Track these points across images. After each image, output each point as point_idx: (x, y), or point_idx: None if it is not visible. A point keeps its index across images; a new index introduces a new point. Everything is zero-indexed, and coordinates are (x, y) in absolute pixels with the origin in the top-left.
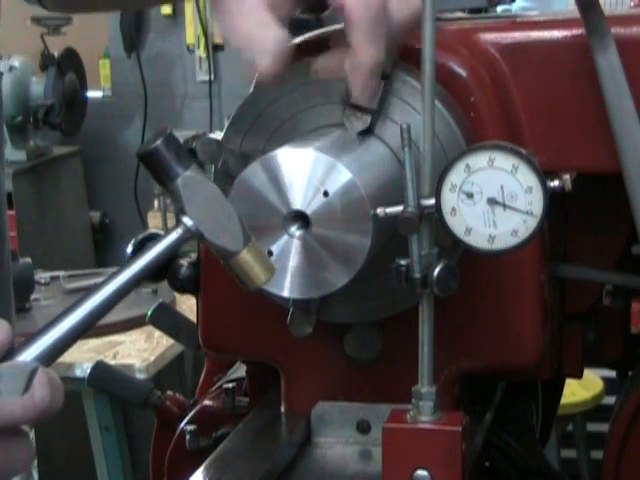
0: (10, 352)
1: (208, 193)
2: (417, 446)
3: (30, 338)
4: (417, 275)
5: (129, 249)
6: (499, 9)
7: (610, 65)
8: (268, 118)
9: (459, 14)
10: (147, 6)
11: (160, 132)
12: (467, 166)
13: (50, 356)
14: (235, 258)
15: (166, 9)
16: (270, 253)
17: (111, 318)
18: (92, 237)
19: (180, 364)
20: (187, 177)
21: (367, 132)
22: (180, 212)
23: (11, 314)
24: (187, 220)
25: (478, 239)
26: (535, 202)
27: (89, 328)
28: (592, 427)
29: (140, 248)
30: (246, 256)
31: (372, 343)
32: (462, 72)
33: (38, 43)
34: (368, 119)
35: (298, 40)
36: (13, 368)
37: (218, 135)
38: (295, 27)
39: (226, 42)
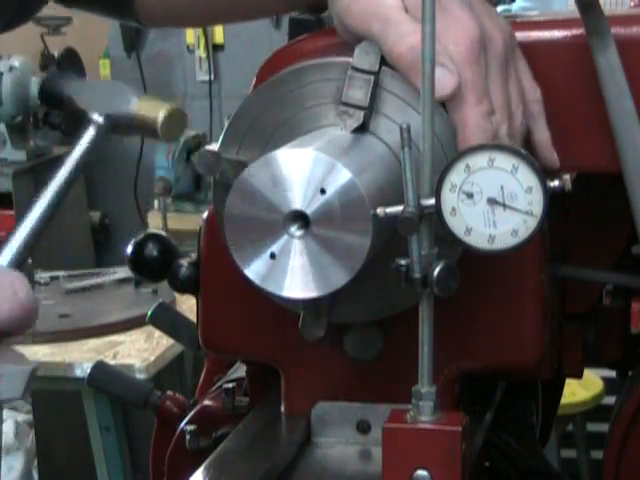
0: None
1: None
2: (417, 446)
3: None
4: (417, 275)
5: (129, 249)
6: (499, 9)
7: (610, 65)
8: (263, 124)
9: None
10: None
11: None
12: (467, 166)
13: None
14: (134, 111)
15: None
16: (272, 255)
17: (111, 318)
18: (92, 237)
19: (180, 364)
20: None
21: (362, 129)
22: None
23: None
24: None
25: (478, 239)
26: (535, 202)
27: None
28: (592, 427)
29: (140, 248)
30: (140, 104)
31: (372, 343)
32: None
33: (38, 43)
34: (361, 115)
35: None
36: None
37: (215, 146)
38: (295, 27)
39: None
